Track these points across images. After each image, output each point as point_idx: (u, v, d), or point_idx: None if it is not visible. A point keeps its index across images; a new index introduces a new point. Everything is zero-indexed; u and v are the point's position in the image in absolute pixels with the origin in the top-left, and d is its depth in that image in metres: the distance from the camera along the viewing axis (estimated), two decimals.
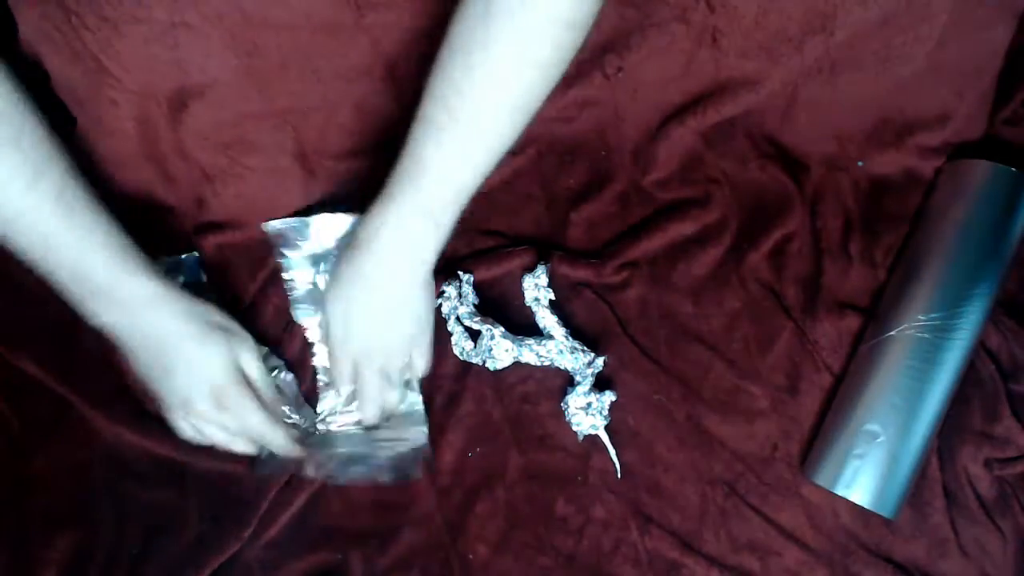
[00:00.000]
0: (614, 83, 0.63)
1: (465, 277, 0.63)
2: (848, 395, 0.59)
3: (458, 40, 0.46)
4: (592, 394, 0.59)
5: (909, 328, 0.58)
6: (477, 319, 0.61)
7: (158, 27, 0.49)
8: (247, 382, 0.54)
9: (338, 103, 0.59)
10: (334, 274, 0.55)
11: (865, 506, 0.56)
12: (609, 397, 0.59)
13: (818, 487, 0.58)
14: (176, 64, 0.52)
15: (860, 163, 0.67)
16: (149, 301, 0.50)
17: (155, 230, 0.65)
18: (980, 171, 0.61)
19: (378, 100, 0.60)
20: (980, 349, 0.61)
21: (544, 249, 0.65)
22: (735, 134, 0.67)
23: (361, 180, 0.65)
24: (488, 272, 0.64)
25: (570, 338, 0.61)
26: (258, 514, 0.58)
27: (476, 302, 0.63)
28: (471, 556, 0.58)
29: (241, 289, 0.64)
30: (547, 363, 0.61)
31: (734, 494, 0.59)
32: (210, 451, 0.59)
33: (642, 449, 0.60)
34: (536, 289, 0.62)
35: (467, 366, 0.62)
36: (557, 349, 0.60)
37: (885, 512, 0.56)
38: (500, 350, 0.60)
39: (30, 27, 0.53)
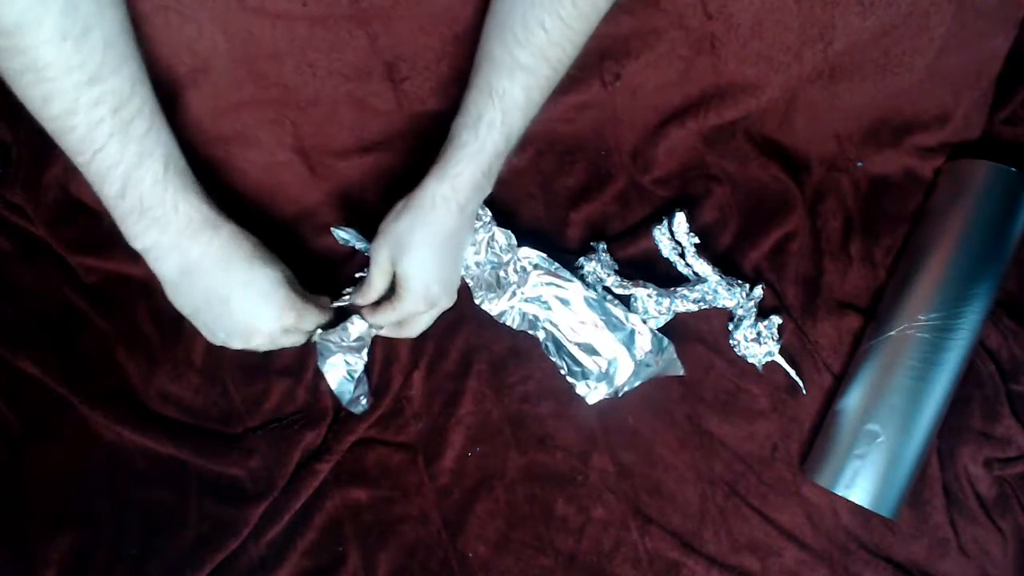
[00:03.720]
0: (612, 90, 0.63)
1: (600, 246, 0.63)
2: (848, 395, 0.59)
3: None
4: (760, 323, 0.60)
5: (909, 328, 0.58)
6: (626, 283, 0.61)
7: (148, 5, 0.49)
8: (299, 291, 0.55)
9: (336, 100, 0.59)
10: (409, 230, 0.53)
11: (865, 506, 0.56)
12: (776, 320, 0.60)
13: (818, 487, 0.58)
14: (166, 46, 0.52)
15: (859, 164, 0.67)
16: (199, 224, 0.48)
17: None
18: (980, 171, 0.61)
19: (378, 100, 0.60)
20: (980, 349, 0.61)
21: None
22: (735, 134, 0.67)
23: (363, 179, 0.65)
24: None
25: (723, 275, 0.61)
26: (258, 514, 0.58)
27: (616, 268, 0.63)
28: (471, 555, 0.58)
29: None
30: (704, 307, 0.61)
31: (734, 494, 0.59)
32: (210, 451, 0.60)
33: (642, 449, 0.60)
34: (674, 239, 0.63)
35: (467, 366, 0.62)
36: (712, 289, 0.61)
37: (885, 512, 0.56)
38: (659, 308, 0.61)
39: None
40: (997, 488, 0.59)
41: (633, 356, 0.60)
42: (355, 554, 0.58)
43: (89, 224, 0.65)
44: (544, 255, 0.61)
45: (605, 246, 0.63)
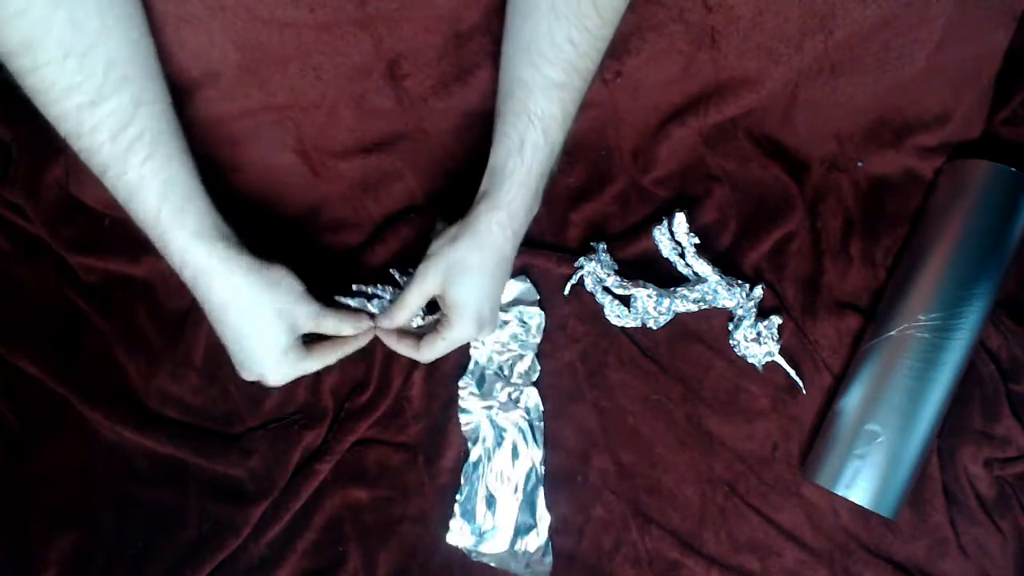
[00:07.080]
0: (613, 88, 0.63)
1: (600, 246, 0.63)
2: (848, 395, 0.59)
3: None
4: (760, 323, 0.60)
5: (909, 328, 0.58)
6: (626, 283, 0.61)
7: (161, 16, 0.49)
8: (312, 334, 0.53)
9: (338, 101, 0.59)
10: (459, 259, 0.52)
11: (865, 506, 0.56)
12: (776, 320, 0.60)
13: (818, 487, 0.58)
14: (175, 54, 0.52)
15: (860, 164, 0.67)
16: (211, 270, 0.48)
17: None
18: (980, 171, 0.61)
19: (379, 99, 0.60)
20: (980, 349, 0.61)
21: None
22: (736, 134, 0.67)
23: (364, 179, 0.65)
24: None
25: (723, 275, 0.61)
26: (258, 513, 0.58)
27: (616, 268, 0.62)
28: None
29: None
30: (704, 307, 0.61)
31: (734, 494, 0.59)
32: (210, 451, 0.60)
33: (642, 449, 0.60)
34: (674, 239, 0.62)
35: (467, 366, 0.62)
36: (712, 289, 0.61)
37: (885, 512, 0.56)
38: (658, 308, 0.60)
39: None
40: (997, 488, 0.59)
41: (513, 543, 0.58)
42: (355, 554, 0.58)
43: (89, 224, 0.65)
44: (540, 409, 0.60)
45: (605, 246, 0.63)
